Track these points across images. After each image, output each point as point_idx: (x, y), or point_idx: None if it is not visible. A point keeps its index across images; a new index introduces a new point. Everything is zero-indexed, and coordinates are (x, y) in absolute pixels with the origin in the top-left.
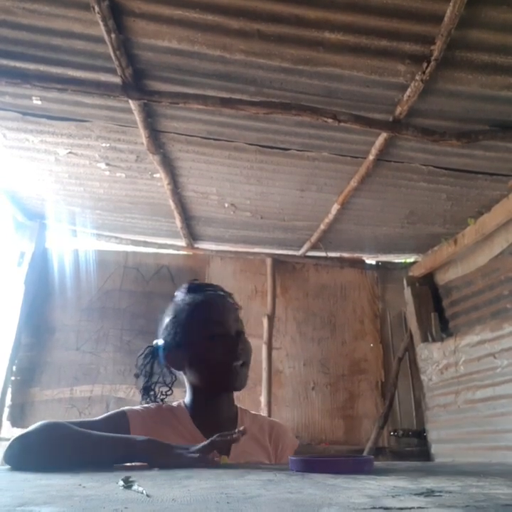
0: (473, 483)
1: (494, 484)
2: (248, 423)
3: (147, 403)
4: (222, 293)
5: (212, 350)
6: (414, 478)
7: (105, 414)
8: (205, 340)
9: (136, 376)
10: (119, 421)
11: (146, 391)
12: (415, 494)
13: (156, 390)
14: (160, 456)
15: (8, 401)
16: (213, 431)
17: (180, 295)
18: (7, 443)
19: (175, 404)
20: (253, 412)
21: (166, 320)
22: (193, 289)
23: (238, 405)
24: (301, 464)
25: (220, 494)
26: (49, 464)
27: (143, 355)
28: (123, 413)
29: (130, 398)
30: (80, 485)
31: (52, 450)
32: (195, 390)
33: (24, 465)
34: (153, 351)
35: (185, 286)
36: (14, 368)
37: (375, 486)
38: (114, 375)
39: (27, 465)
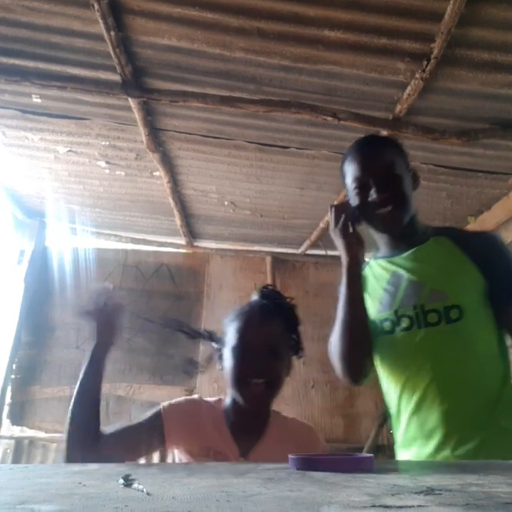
0: (474, 482)
1: (494, 482)
2: (276, 427)
3: None
4: (267, 305)
5: (232, 361)
6: (414, 476)
7: (145, 415)
8: (230, 349)
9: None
10: (155, 418)
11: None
12: (415, 492)
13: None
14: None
15: (8, 399)
16: (242, 433)
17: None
18: (7, 441)
19: (215, 399)
20: (286, 415)
21: (230, 316)
22: (260, 294)
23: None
24: (301, 462)
25: (220, 492)
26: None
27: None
28: (158, 410)
29: (130, 396)
30: (80, 483)
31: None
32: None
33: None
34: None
35: (260, 289)
36: (14, 366)
37: (374, 485)
38: (114, 373)
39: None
